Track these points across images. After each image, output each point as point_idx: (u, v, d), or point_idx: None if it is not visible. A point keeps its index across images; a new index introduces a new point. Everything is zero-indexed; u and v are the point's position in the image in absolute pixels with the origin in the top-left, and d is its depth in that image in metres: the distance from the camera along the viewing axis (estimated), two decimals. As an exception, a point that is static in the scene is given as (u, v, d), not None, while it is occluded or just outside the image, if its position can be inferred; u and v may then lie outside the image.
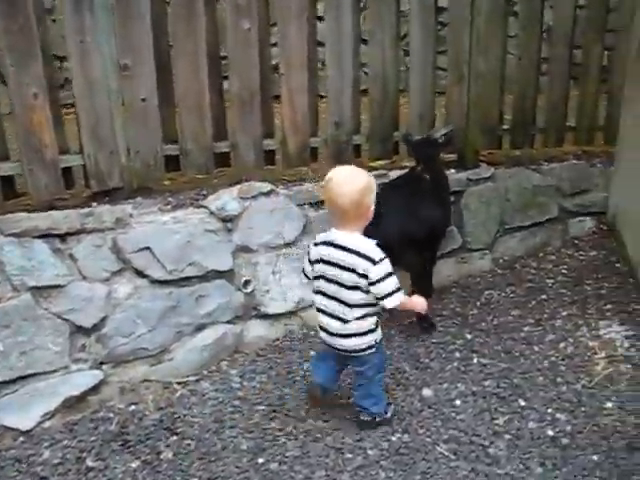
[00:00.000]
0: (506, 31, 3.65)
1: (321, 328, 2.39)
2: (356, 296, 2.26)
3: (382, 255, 2.23)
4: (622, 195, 3.58)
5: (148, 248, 2.68)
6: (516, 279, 3.44)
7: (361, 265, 2.21)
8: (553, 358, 2.81)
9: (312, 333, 3.03)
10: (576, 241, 3.71)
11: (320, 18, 3.35)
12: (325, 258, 2.29)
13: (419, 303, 2.44)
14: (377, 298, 2.25)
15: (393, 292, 2.24)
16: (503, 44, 3.62)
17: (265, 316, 3.00)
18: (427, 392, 2.64)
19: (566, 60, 3.78)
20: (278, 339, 3.01)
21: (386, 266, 2.23)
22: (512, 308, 3.19)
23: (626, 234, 3.48)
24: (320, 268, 2.32)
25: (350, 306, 2.27)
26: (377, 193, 2.32)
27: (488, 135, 3.70)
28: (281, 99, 3.18)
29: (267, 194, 2.99)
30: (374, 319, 2.34)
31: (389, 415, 2.47)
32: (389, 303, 2.25)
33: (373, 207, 2.27)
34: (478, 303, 3.24)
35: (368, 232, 2.33)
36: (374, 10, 3.32)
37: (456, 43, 3.52)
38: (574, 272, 3.44)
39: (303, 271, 2.47)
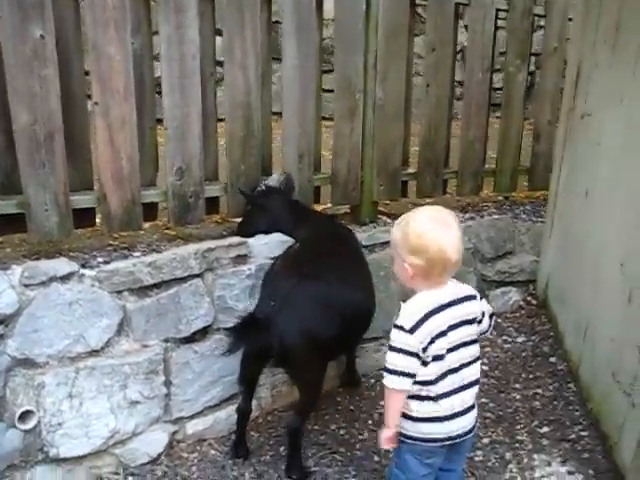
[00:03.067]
0: (412, 52, 2.89)
1: (451, 417, 1.71)
2: (478, 347, 1.81)
3: None
4: (556, 262, 2.78)
5: None
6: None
7: (478, 307, 1.78)
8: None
9: (130, 479, 2.11)
10: (499, 320, 2.89)
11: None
12: (452, 323, 1.72)
13: None
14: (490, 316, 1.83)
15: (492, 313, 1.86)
16: (408, 67, 2.84)
17: (57, 460, 2.04)
18: None
19: (484, 89, 3.04)
20: (77, 493, 2.06)
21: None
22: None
23: (562, 316, 2.67)
24: (443, 343, 1.71)
25: (478, 363, 1.81)
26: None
27: (389, 181, 2.93)
28: (95, 137, 2.27)
29: (64, 279, 2.06)
30: None
31: None
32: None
33: None
34: (367, 428, 2.37)
35: (251, 338, 1.97)
36: (231, 16, 2.44)
37: (345, 65, 2.70)
38: (497, 370, 2.60)
39: (403, 374, 1.68)
